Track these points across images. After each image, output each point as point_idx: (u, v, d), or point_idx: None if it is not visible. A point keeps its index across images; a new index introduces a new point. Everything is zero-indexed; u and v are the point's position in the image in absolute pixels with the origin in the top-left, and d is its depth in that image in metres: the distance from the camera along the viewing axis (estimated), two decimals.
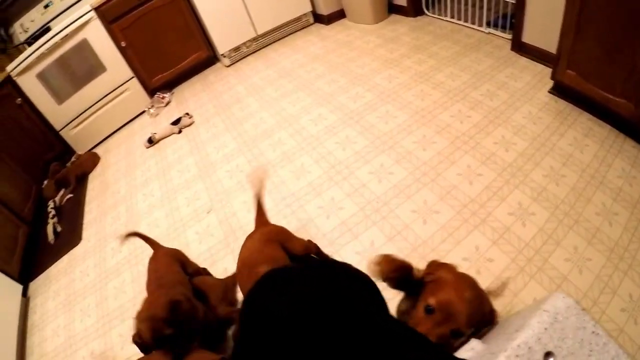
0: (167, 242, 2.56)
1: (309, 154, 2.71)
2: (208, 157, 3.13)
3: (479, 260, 1.79)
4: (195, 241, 2.49)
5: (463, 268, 1.76)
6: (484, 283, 1.68)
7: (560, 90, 2.49)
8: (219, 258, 2.30)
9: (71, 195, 3.77)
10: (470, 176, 2.16)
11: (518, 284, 1.67)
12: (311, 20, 4.57)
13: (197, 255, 2.39)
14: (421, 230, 2.01)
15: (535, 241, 1.80)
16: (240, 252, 1.71)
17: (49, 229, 3.40)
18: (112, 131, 4.44)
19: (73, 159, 4.15)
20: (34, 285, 3.06)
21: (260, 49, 4.51)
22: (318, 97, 3.22)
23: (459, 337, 1.03)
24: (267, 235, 1.73)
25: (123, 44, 4.08)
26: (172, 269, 1.93)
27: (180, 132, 3.65)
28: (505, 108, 2.49)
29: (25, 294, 2.94)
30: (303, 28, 4.53)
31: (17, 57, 3.77)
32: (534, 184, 2.02)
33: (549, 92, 2.53)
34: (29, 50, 3.71)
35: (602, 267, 1.65)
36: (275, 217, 2.37)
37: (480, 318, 1.07)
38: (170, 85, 4.54)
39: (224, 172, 2.90)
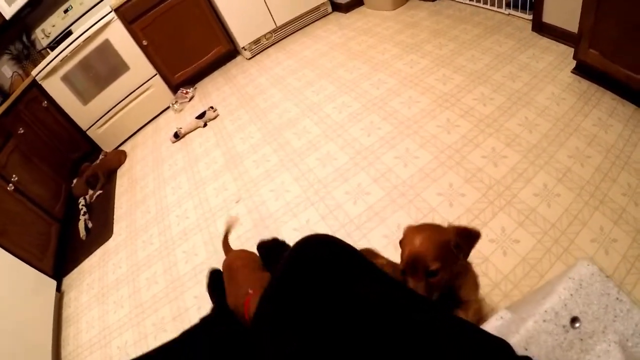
0: (197, 234, 2.65)
1: (334, 141, 2.71)
2: (234, 149, 3.16)
3: (505, 241, 1.77)
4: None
5: (490, 249, 1.76)
6: (510, 265, 1.69)
7: (583, 70, 2.41)
8: (249, 247, 2.28)
9: (101, 192, 3.86)
10: (495, 158, 2.13)
11: (544, 265, 1.65)
12: (329, 9, 4.55)
13: None
14: (447, 212, 1.99)
15: (561, 222, 1.77)
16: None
17: (81, 226, 3.49)
18: (137, 128, 4.52)
19: (101, 156, 4.25)
20: (67, 280, 3.15)
21: (280, 40, 4.52)
22: (341, 85, 3.22)
23: (434, 276, 1.10)
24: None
25: (144, 42, 4.13)
26: None
27: (205, 125, 3.70)
28: (528, 89, 2.44)
29: (59, 289, 3.03)
30: (321, 17, 4.52)
31: (40, 61, 3.86)
32: (559, 165, 1.98)
33: (572, 72, 2.46)
34: (52, 54, 3.79)
35: (628, 248, 1.61)
36: (303, 204, 2.40)
37: (444, 247, 1.12)
38: (192, 80, 4.60)
39: (251, 162, 2.93)
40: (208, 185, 2.96)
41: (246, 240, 2.37)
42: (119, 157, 4.22)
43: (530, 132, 2.18)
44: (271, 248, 1.88)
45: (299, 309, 0.90)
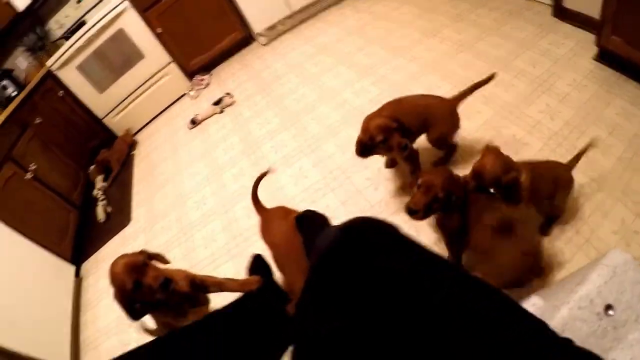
0: (216, 220, 2.65)
1: (354, 126, 2.58)
2: (252, 134, 3.15)
3: None
4: (244, 216, 2.52)
5: None
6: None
7: (605, 57, 2.34)
8: None
9: (115, 178, 3.92)
10: (517, 145, 2.09)
11: (566, 255, 1.63)
12: None
13: (246, 229, 2.43)
14: None
15: (582, 212, 1.73)
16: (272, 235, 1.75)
17: (99, 210, 3.52)
18: (154, 115, 4.53)
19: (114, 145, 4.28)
20: (86, 265, 3.19)
21: (296, 26, 4.45)
22: (359, 70, 3.17)
23: (438, 202, 1.47)
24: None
25: (159, 30, 4.11)
26: None
27: (222, 111, 3.68)
28: (549, 76, 2.38)
29: (77, 274, 3.07)
30: (337, 3, 4.42)
31: (55, 52, 3.88)
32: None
33: (594, 59, 2.39)
34: (67, 44, 3.80)
35: None
36: (322, 190, 2.38)
37: (452, 184, 1.49)
38: (208, 67, 4.57)
39: (269, 147, 2.91)
40: (226, 171, 2.96)
41: None
42: (127, 143, 4.26)
43: (551, 119, 2.13)
44: (307, 217, 1.85)
45: (339, 293, 0.89)
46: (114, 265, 1.44)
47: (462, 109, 2.30)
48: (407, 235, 0.98)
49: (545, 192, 1.56)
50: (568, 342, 0.68)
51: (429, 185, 1.46)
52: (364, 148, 1.88)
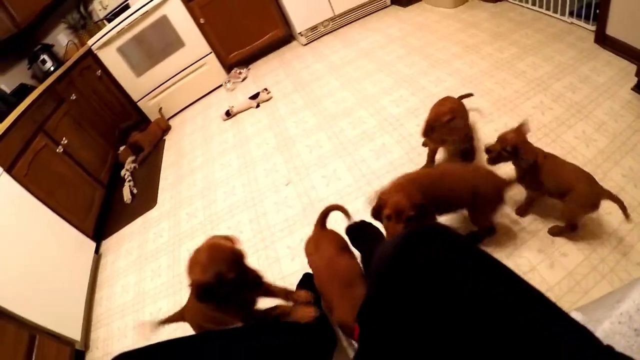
0: (244, 212, 2.64)
1: (390, 134, 2.65)
2: (287, 131, 3.15)
3: (554, 254, 1.72)
4: (273, 211, 2.51)
5: (538, 260, 1.70)
6: (556, 277, 1.65)
7: None
8: (296, 229, 2.31)
9: (144, 160, 3.99)
10: None
11: (589, 283, 1.58)
12: (388, 1, 4.47)
13: (274, 224, 2.41)
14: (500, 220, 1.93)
15: (609, 241, 1.68)
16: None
17: (126, 190, 3.57)
18: (188, 103, 4.60)
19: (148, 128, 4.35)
20: (106, 243, 3.22)
21: (337, 29, 4.48)
22: (399, 78, 3.16)
23: (409, 220, 1.42)
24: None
25: (202, 20, 4.18)
26: None
27: (258, 106, 3.70)
28: (587, 102, 2.33)
29: (97, 251, 3.11)
30: (379, 9, 4.45)
31: (96, 32, 3.97)
32: (612, 183, 1.87)
33: (632, 89, 2.32)
34: (109, 26, 3.88)
35: None
36: (354, 194, 2.35)
37: (416, 195, 1.45)
38: (246, 61, 4.63)
39: (304, 146, 2.91)
40: (258, 165, 2.96)
41: (294, 223, 2.35)
42: (161, 127, 4.33)
43: (586, 146, 2.08)
44: (359, 228, 1.84)
45: (406, 299, 0.87)
46: (217, 246, 1.30)
47: (499, 127, 2.31)
48: (471, 243, 0.94)
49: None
50: (611, 348, 0.71)
51: (398, 212, 1.43)
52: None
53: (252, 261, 2.28)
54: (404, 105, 2.85)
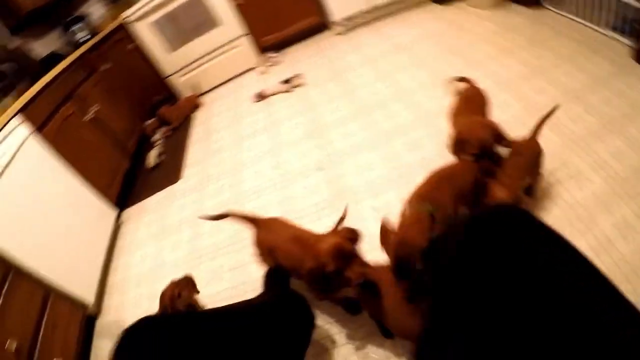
0: (272, 193, 2.65)
1: (423, 129, 2.66)
2: (321, 118, 3.15)
3: None
4: (302, 195, 2.52)
5: None
6: None
7: None
8: (324, 215, 2.31)
9: (170, 132, 4.06)
10: (581, 181, 2.01)
11: None
12: None
13: (302, 209, 2.42)
14: None
15: (635, 258, 1.62)
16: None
17: (152, 155, 3.67)
18: (219, 82, 4.64)
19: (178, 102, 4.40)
20: (127, 212, 3.27)
21: (373, 21, 4.45)
22: (434, 75, 3.14)
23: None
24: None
25: (240, 1, 4.19)
26: None
27: (290, 91, 3.71)
28: (621, 118, 2.26)
29: (118, 219, 3.15)
30: (418, 6, 4.40)
31: (132, 5, 4.01)
32: None
33: None
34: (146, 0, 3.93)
35: None
36: (385, 185, 2.35)
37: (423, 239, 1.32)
38: (280, 46, 4.63)
39: (337, 134, 2.90)
40: (289, 149, 2.97)
41: (321, 209, 2.35)
42: (192, 102, 4.38)
43: (619, 162, 2.03)
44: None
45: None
46: (333, 243, 1.35)
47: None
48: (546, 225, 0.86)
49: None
50: None
51: (401, 264, 1.33)
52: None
53: None
54: (439, 102, 2.82)
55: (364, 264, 1.39)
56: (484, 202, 1.67)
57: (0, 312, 1.88)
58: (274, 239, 1.68)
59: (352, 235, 1.47)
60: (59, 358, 2.03)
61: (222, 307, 1.41)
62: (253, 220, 1.80)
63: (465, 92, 2.25)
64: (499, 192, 1.55)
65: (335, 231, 1.55)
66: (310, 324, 1.50)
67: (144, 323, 1.07)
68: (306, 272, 1.34)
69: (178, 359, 1.00)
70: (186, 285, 1.85)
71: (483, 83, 2.83)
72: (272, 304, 1.50)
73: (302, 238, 1.60)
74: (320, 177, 2.61)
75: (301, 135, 3.08)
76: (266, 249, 1.72)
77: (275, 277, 1.77)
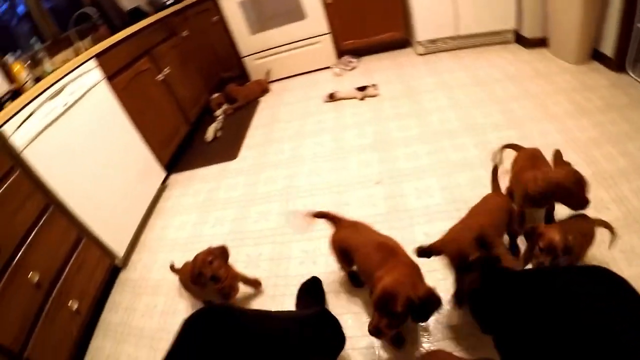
0: (326, 195, 2.65)
1: (488, 169, 2.39)
2: (389, 133, 3.12)
3: None
4: (356, 205, 2.50)
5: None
6: None
7: None
8: (376, 229, 2.24)
9: (232, 111, 4.16)
10: (631, 257, 1.90)
11: None
12: (511, 39, 4.37)
13: (354, 219, 2.39)
14: None
15: None
16: None
17: (211, 129, 3.76)
18: (292, 74, 4.71)
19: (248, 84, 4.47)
20: (175, 177, 3.35)
21: (455, 49, 4.43)
22: (509, 118, 3.10)
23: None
24: None
25: (329, 0, 4.26)
26: None
27: (363, 99, 3.70)
28: None
29: (164, 182, 3.24)
30: (500, 44, 4.37)
31: None
32: None
33: None
34: None
35: None
36: (443, 214, 2.32)
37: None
38: (358, 52, 4.66)
39: (402, 152, 2.87)
40: (351, 156, 2.96)
41: (375, 223, 2.16)
42: (262, 86, 4.46)
43: None
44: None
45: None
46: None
47: (591, 197, 2.10)
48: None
49: None
50: None
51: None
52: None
53: (303, 245, 2.35)
54: None
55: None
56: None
57: (31, 242, 1.93)
58: (356, 241, 1.74)
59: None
60: (75, 300, 2.08)
61: (274, 312, 1.44)
62: (337, 219, 1.88)
63: (525, 150, 2.21)
64: (553, 234, 1.57)
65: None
66: (341, 343, 1.55)
67: (209, 314, 1.09)
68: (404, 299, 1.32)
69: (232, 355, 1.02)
70: (219, 255, 1.92)
71: (554, 138, 2.78)
72: (316, 318, 1.56)
73: (387, 245, 1.65)
74: (378, 191, 2.58)
75: (366, 145, 3.06)
76: (345, 249, 1.76)
77: (312, 293, 1.90)
